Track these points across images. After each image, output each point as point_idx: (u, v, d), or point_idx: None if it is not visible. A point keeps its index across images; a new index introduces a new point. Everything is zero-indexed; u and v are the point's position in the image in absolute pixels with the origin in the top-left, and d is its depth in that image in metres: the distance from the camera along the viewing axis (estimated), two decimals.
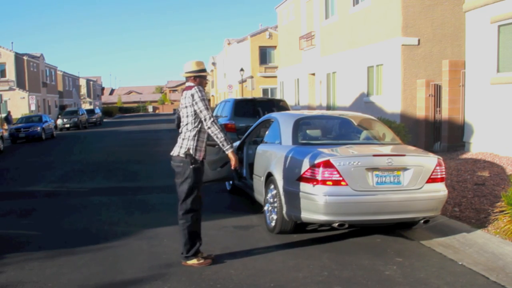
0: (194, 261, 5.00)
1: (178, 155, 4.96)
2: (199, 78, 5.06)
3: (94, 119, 45.66)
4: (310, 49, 22.59)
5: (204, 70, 5.12)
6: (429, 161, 5.75)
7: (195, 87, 4.94)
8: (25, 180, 11.83)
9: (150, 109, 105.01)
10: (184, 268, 5.01)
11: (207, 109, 4.86)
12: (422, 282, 4.60)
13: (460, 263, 5.10)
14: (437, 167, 5.73)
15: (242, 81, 38.19)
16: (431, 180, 5.67)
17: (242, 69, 37.47)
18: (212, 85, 65.13)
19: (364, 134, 6.82)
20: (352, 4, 17.01)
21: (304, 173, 5.59)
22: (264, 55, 41.50)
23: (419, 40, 13.60)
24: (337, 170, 5.40)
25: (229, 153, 4.94)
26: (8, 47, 45.94)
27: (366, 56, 15.88)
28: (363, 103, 16.13)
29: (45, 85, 51.76)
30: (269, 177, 6.40)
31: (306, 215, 5.64)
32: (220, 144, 4.94)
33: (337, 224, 5.55)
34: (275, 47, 39.36)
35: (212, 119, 4.85)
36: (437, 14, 13.67)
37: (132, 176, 11.91)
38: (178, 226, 5.12)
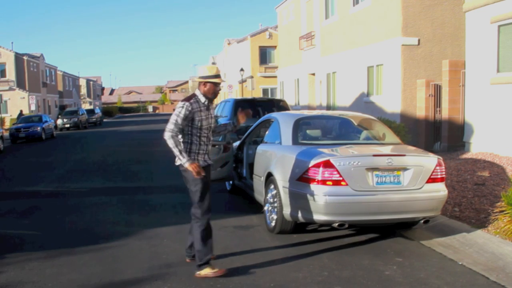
0: (208, 271, 4.74)
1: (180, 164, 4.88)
2: (209, 84, 4.87)
3: (94, 119, 45.64)
4: (310, 49, 22.59)
5: (215, 76, 4.88)
6: (429, 161, 5.75)
7: (186, 102, 4.78)
8: (25, 180, 11.83)
9: (150, 109, 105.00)
10: (184, 268, 5.01)
11: (171, 123, 4.71)
12: (422, 282, 4.60)
13: (460, 263, 5.11)
14: (437, 167, 5.73)
15: (242, 81, 38.20)
16: (431, 180, 5.67)
17: (242, 69, 37.47)
18: None
19: (364, 134, 6.82)
20: (352, 4, 17.01)
21: (304, 173, 5.59)
22: (264, 55, 41.48)
23: (419, 40, 13.60)
24: (337, 170, 5.41)
25: (186, 166, 4.66)
26: (8, 47, 45.91)
27: (366, 56, 15.88)
28: (363, 103, 16.13)
29: (45, 85, 51.73)
30: (269, 177, 6.40)
31: (306, 215, 5.64)
32: (177, 159, 4.78)
33: (337, 224, 5.55)
34: (275, 47, 39.35)
35: (168, 133, 4.69)
36: (437, 14, 13.67)
37: (132, 176, 11.91)
38: (191, 230, 5.05)
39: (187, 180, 4.86)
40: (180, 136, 4.84)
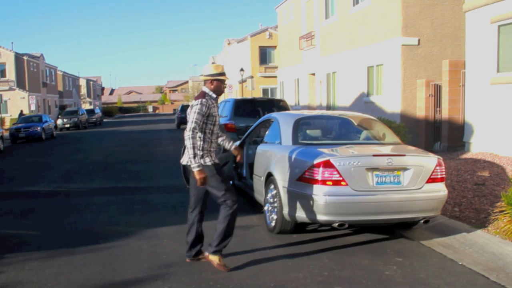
0: (216, 258, 4.94)
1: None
2: (216, 81, 5.02)
3: (94, 119, 45.64)
4: (310, 49, 22.59)
5: (221, 74, 5.05)
6: (429, 161, 5.75)
7: (202, 99, 4.87)
8: (25, 180, 11.83)
9: (150, 109, 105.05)
10: (184, 268, 5.01)
11: (193, 122, 4.76)
12: (422, 282, 4.60)
13: (460, 263, 5.11)
14: (437, 167, 5.73)
15: (242, 81, 38.18)
16: (431, 180, 5.67)
17: (242, 69, 37.45)
18: None
19: (364, 134, 6.82)
20: (352, 4, 17.01)
21: (304, 173, 5.59)
22: (264, 55, 41.46)
23: (419, 40, 13.60)
24: (337, 170, 5.40)
25: (195, 171, 4.73)
26: (8, 47, 45.92)
27: (366, 56, 15.88)
28: (363, 103, 16.13)
29: (45, 85, 51.74)
30: (269, 177, 6.40)
31: (306, 215, 5.64)
32: (188, 160, 4.85)
33: (337, 224, 5.55)
34: (275, 47, 39.34)
35: (190, 133, 4.74)
36: (437, 14, 13.67)
37: (132, 176, 11.90)
38: (189, 231, 5.14)
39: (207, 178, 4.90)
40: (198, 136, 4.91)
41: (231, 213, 4.91)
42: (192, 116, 4.81)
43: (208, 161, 4.92)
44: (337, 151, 5.78)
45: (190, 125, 4.78)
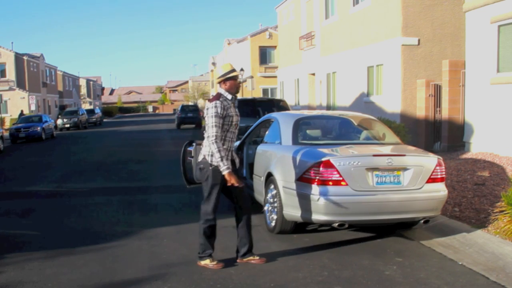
0: (207, 262, 5.03)
1: (201, 160, 5.04)
2: (229, 80, 5.04)
3: (94, 119, 45.63)
4: (310, 49, 22.59)
5: (232, 71, 5.06)
6: (429, 161, 5.75)
7: (216, 101, 4.90)
8: (25, 180, 11.83)
9: (150, 109, 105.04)
10: (184, 268, 5.02)
11: (213, 127, 4.81)
12: (422, 282, 4.60)
13: (460, 263, 5.11)
14: (437, 167, 5.73)
15: (242, 81, 38.19)
16: (431, 180, 5.67)
17: (242, 69, 37.40)
18: (212, 85, 65.21)
19: (364, 134, 6.82)
20: (352, 4, 17.01)
21: (304, 173, 5.59)
22: (264, 55, 41.46)
23: (419, 40, 13.60)
24: (337, 170, 5.41)
25: (225, 174, 4.83)
26: (8, 47, 45.90)
27: (366, 56, 15.87)
28: (363, 103, 16.13)
29: (45, 85, 51.71)
30: (269, 177, 6.40)
31: (306, 215, 5.64)
32: (216, 164, 4.88)
33: (337, 224, 5.55)
34: (275, 47, 39.33)
35: (213, 138, 4.80)
36: (437, 14, 13.67)
37: (132, 176, 11.91)
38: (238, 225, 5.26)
39: (202, 176, 5.00)
40: (205, 135, 4.94)
41: (201, 224, 5.06)
42: (210, 121, 4.85)
43: (214, 160, 4.94)
44: (337, 151, 5.78)
45: (211, 130, 4.82)
